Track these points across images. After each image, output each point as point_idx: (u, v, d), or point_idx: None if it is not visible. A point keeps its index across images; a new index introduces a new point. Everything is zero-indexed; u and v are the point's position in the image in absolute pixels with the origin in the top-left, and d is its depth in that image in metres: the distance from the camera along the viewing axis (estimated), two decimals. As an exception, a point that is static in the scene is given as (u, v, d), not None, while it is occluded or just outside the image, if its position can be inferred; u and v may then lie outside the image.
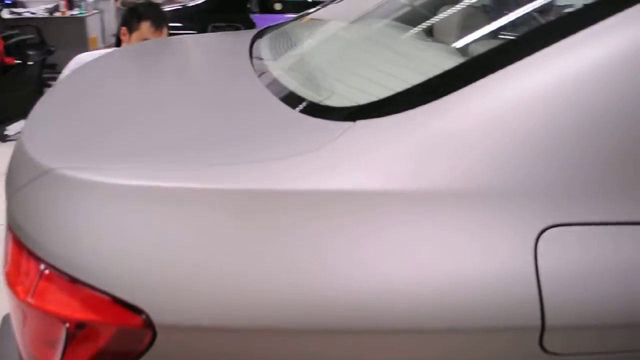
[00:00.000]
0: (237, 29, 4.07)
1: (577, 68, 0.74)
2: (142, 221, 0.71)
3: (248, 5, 4.34)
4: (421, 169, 0.74)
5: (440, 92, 0.79)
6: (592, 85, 0.74)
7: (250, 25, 4.18)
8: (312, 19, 1.85)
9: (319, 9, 1.94)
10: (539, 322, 0.70)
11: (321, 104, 0.97)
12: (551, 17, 1.05)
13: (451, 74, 0.85)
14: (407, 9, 1.89)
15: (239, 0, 4.33)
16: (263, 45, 1.52)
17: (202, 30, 3.93)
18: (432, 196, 0.73)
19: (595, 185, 0.75)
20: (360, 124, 0.80)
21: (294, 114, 0.91)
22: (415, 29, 1.59)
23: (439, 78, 0.85)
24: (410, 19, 1.73)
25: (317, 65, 1.30)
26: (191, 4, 4.32)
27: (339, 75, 1.18)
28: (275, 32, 1.68)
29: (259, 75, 1.16)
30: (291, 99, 0.98)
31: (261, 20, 4.19)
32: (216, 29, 4.05)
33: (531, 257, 0.71)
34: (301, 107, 0.93)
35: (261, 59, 1.33)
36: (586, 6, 0.85)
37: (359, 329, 0.71)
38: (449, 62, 0.96)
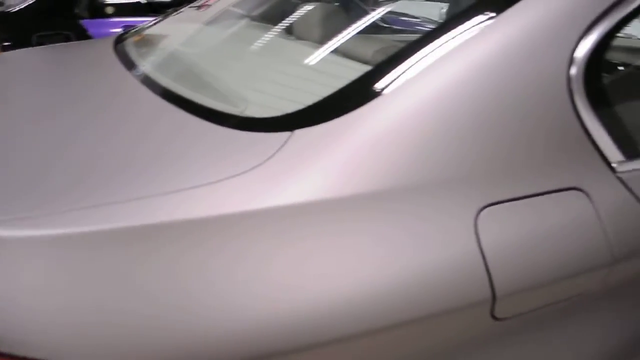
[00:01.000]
0: (67, 37, 3.73)
1: (472, 65, 0.83)
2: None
3: (76, 10, 3.98)
4: (363, 172, 0.76)
5: (367, 95, 0.82)
6: (488, 78, 0.83)
7: (81, 32, 3.84)
8: (178, 21, 1.78)
9: (179, 11, 1.87)
10: (489, 294, 0.76)
11: (243, 115, 0.94)
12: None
13: (370, 78, 0.88)
14: (270, 5, 1.91)
15: (65, 4, 3.94)
16: (134, 53, 1.43)
17: (25, 40, 3.54)
18: (375, 195, 0.75)
19: (510, 164, 0.84)
20: (299, 133, 0.79)
21: (216, 129, 0.87)
22: (284, 28, 1.61)
23: (361, 82, 0.88)
24: (276, 18, 1.74)
25: (210, 72, 1.25)
26: (10, 10, 3.84)
27: (244, 82, 1.16)
28: (142, 37, 1.58)
29: (150, 89, 1.09)
30: (203, 112, 0.94)
31: (93, 26, 3.88)
32: (43, 39, 3.66)
33: (473, 237, 0.77)
34: (221, 120, 0.89)
35: (144, 72, 1.25)
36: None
37: (326, 340, 0.70)
38: (342, 63, 1.00)
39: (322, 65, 1.26)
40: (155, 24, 1.79)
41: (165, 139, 0.88)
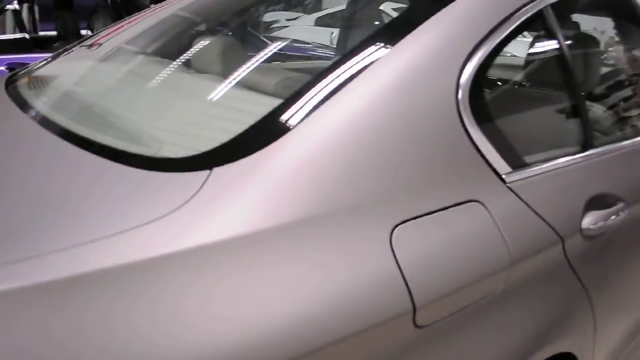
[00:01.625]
0: None
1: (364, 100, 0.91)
2: None
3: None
4: (284, 203, 0.79)
5: (279, 129, 0.87)
6: (386, 109, 0.92)
7: None
8: (71, 60, 1.73)
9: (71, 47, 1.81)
10: (410, 306, 0.83)
11: (159, 156, 0.94)
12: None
13: (280, 113, 0.93)
14: (166, 40, 1.90)
15: None
16: (30, 95, 1.37)
17: None
18: (297, 224, 0.79)
19: (414, 184, 0.92)
20: (218, 171, 0.81)
21: (132, 172, 0.87)
22: (183, 63, 1.63)
23: (272, 117, 0.92)
24: (174, 52, 1.75)
25: (116, 112, 1.24)
26: None
27: (152, 121, 1.16)
28: (36, 77, 1.52)
29: (56, 133, 1.07)
30: (116, 155, 0.93)
31: None
32: None
33: (390, 254, 0.83)
34: (136, 163, 0.89)
35: (46, 115, 1.21)
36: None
37: None
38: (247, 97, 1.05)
39: (228, 100, 1.29)
40: (47, 63, 1.72)
41: (81, 185, 0.88)
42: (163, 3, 1.92)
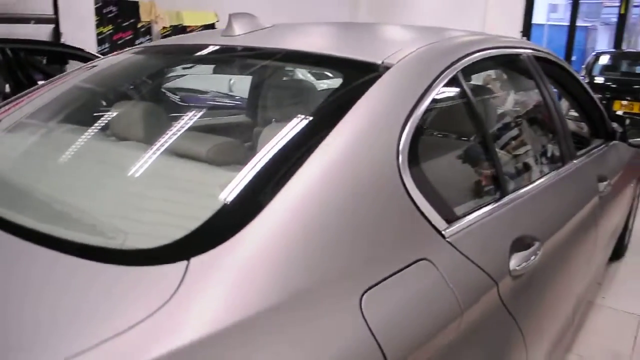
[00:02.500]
0: None
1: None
2: None
3: None
4: (258, 291, 0.81)
5: (246, 214, 0.89)
6: (337, 188, 0.98)
7: None
8: None
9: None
10: None
11: (127, 248, 0.92)
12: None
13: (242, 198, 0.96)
14: (76, 108, 1.87)
15: None
16: None
17: None
18: (276, 308, 0.81)
19: (371, 253, 0.99)
20: (196, 261, 0.81)
21: (100, 268, 0.84)
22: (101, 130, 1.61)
23: (239, 201, 0.95)
24: (88, 120, 1.72)
25: (59, 198, 1.20)
26: None
27: (102, 207, 1.13)
28: None
29: None
30: (80, 250, 0.89)
31: None
32: None
33: (361, 320, 0.89)
34: (104, 257, 0.86)
35: None
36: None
37: None
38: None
39: (172, 174, 1.29)
40: None
41: (47, 290, 0.81)
42: (63, 75, 1.89)
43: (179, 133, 1.52)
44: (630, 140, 2.71)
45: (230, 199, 0.96)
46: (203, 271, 0.80)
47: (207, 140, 1.44)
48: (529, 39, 11.76)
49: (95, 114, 1.83)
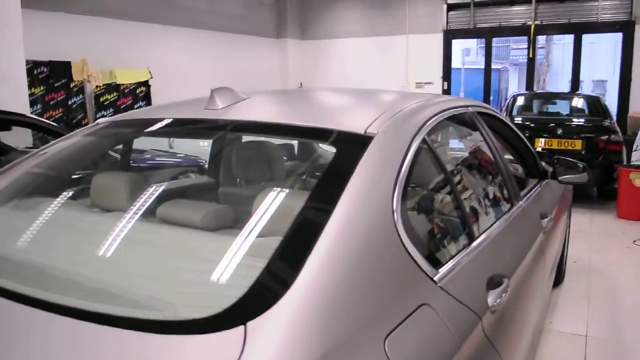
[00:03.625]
0: None
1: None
2: None
3: None
4: (307, 345, 0.92)
5: (290, 275, 1.00)
6: (349, 256, 1.11)
7: None
8: None
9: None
10: None
11: (183, 319, 0.99)
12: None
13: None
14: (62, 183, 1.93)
15: None
16: None
17: None
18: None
19: (384, 304, 1.12)
20: (251, 324, 0.91)
21: (160, 339, 0.91)
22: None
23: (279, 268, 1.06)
24: (79, 193, 1.80)
25: (84, 275, 1.26)
26: None
27: (134, 280, 1.20)
28: None
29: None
30: (143, 325, 0.95)
31: None
32: None
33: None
34: (163, 329, 0.94)
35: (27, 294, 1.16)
36: None
37: None
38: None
39: (190, 245, 1.39)
40: None
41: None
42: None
43: (172, 203, 1.62)
44: (561, 178, 3.03)
45: (270, 264, 1.07)
46: (260, 333, 0.90)
47: (201, 208, 1.55)
48: (449, 82, 12.56)
49: (75, 187, 1.89)
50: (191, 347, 0.90)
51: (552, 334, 3.20)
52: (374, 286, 1.12)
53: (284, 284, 0.99)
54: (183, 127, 1.90)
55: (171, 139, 4.96)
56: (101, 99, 9.01)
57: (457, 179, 1.93)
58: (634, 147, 7.93)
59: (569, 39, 12.76)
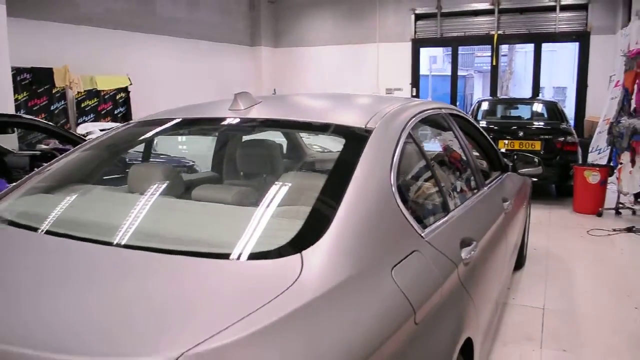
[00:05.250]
0: None
1: None
2: None
3: None
4: (343, 265, 1.34)
5: (328, 219, 1.44)
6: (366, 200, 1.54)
7: None
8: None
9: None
10: (411, 310, 1.41)
11: (257, 251, 1.37)
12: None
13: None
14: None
15: None
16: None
17: None
18: (353, 278, 1.33)
19: (390, 246, 1.54)
20: (305, 252, 1.31)
21: (249, 263, 1.33)
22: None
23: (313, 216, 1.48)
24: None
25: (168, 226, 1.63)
26: None
27: (199, 229, 1.59)
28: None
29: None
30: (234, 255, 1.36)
31: None
32: None
33: (394, 283, 1.42)
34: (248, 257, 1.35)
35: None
36: None
37: None
38: None
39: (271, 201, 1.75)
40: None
41: (220, 279, 1.29)
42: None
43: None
44: (520, 170, 3.50)
45: (310, 216, 1.47)
46: (311, 258, 1.31)
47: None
48: (417, 89, 13.13)
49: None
50: (267, 267, 1.31)
51: (515, 307, 3.65)
52: (381, 234, 1.52)
53: (323, 228, 1.39)
54: (216, 125, 2.27)
55: (155, 140, 5.31)
56: (82, 105, 9.22)
57: (435, 164, 2.36)
58: (590, 149, 8.59)
59: (531, 47, 13.49)
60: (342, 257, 1.35)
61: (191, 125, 2.27)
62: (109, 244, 1.48)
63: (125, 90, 9.93)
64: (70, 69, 8.71)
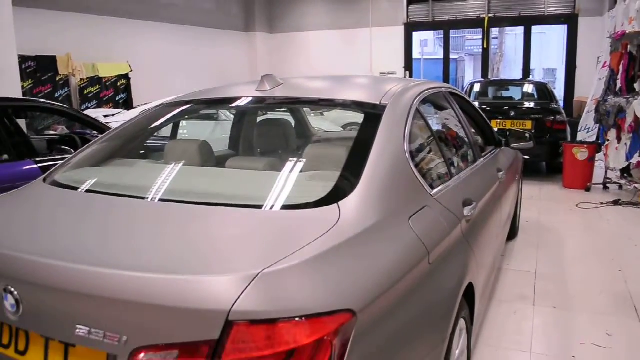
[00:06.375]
0: None
1: None
2: None
3: None
4: (372, 212, 1.62)
5: (357, 177, 1.71)
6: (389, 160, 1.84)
7: None
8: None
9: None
10: (426, 251, 1.71)
11: (302, 202, 1.64)
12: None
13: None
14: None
15: None
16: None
17: None
18: (379, 223, 1.62)
19: (407, 199, 1.83)
20: (341, 203, 1.59)
21: (295, 212, 1.61)
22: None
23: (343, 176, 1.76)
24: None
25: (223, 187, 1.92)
26: None
27: (240, 187, 1.88)
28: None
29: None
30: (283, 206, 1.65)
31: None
32: None
33: (412, 231, 1.71)
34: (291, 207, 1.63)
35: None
36: None
37: None
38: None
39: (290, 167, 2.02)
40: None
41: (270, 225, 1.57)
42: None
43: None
44: (512, 145, 3.80)
45: (343, 172, 1.75)
46: (347, 207, 1.59)
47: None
48: (410, 72, 13.38)
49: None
50: (313, 214, 1.58)
51: (509, 272, 3.97)
52: (399, 190, 1.81)
53: (354, 184, 1.67)
54: (250, 103, 2.54)
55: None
56: (85, 92, 9.41)
57: (439, 136, 2.65)
58: (580, 128, 8.92)
59: (521, 30, 13.78)
60: (370, 207, 1.63)
61: (222, 104, 2.50)
62: (171, 201, 1.77)
63: (126, 76, 10.13)
64: (72, 56, 8.90)
